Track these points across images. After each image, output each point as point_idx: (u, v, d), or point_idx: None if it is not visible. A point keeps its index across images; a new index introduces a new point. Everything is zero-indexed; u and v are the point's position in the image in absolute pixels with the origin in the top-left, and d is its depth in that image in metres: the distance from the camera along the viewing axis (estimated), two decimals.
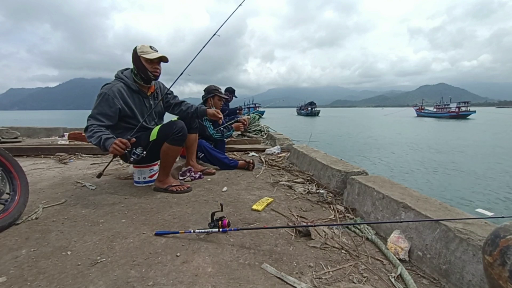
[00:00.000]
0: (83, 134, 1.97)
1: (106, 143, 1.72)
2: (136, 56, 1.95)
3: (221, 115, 2.37)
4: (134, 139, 1.80)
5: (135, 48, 1.98)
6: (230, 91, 5.28)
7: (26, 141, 4.55)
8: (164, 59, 2.00)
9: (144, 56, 1.93)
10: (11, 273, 1.02)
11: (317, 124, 37.54)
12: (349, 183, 1.82)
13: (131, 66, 2.04)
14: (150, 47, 1.97)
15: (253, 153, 3.69)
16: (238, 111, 5.56)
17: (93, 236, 1.32)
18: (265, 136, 4.98)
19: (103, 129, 1.82)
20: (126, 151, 1.73)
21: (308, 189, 2.06)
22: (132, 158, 1.80)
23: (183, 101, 2.35)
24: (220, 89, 3.12)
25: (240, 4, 2.31)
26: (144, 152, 1.81)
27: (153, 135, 1.91)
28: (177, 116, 2.33)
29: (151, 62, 1.95)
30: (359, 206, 1.65)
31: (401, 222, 1.26)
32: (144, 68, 1.95)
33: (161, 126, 1.94)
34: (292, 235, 1.36)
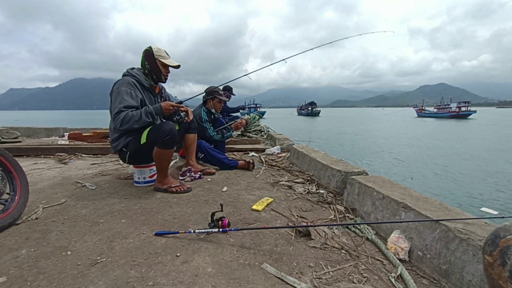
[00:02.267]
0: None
1: (156, 109, 1.90)
2: (152, 58, 2.02)
3: (172, 105, 2.08)
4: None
5: (150, 49, 2.03)
6: (227, 90, 5.09)
7: (26, 141, 4.55)
8: (178, 67, 2.14)
9: (162, 60, 2.03)
10: (11, 273, 1.03)
11: (318, 124, 37.53)
12: (349, 183, 1.82)
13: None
14: (165, 51, 2.08)
15: (253, 153, 3.69)
16: (240, 110, 5.52)
17: (93, 236, 1.32)
18: (265, 136, 4.98)
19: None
20: (172, 111, 1.99)
21: (308, 189, 2.06)
22: (175, 118, 2.04)
23: None
24: (221, 92, 3.05)
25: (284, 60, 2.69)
26: (184, 116, 2.05)
27: (143, 138, 1.90)
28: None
29: (167, 67, 2.07)
30: (359, 206, 1.65)
31: (401, 222, 1.26)
32: (159, 71, 2.05)
33: (149, 129, 1.90)
34: (292, 235, 1.36)
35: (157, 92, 2.18)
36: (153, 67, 2.04)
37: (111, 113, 1.92)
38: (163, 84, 2.27)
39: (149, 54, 2.03)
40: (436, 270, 1.06)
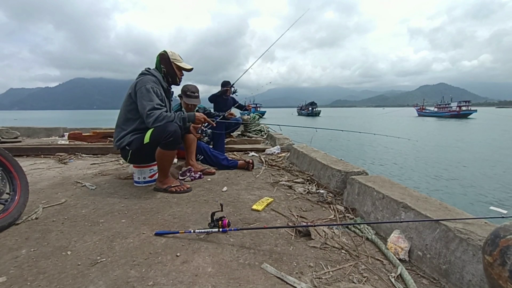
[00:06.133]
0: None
1: (189, 117, 2.02)
2: (168, 61, 2.07)
3: (205, 118, 2.12)
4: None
5: (166, 53, 2.08)
6: (224, 85, 4.60)
7: (26, 141, 4.55)
8: (192, 70, 2.21)
9: (177, 63, 2.09)
10: (11, 273, 1.03)
11: (318, 124, 37.49)
12: (349, 183, 1.82)
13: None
14: (179, 55, 2.13)
15: (253, 153, 3.69)
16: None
17: (93, 236, 1.33)
18: (265, 136, 4.98)
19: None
20: (201, 124, 2.13)
21: (308, 189, 2.06)
22: (199, 130, 2.15)
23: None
24: (190, 93, 2.64)
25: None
26: (209, 133, 2.17)
27: (146, 138, 1.90)
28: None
29: (181, 69, 2.14)
30: (359, 206, 1.65)
31: (401, 222, 1.26)
32: (175, 74, 2.11)
33: (153, 130, 1.89)
34: (292, 235, 1.36)
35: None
36: (169, 70, 2.09)
37: (142, 111, 1.88)
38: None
39: (165, 58, 2.07)
40: (436, 270, 1.06)
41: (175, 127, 1.87)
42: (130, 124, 2.01)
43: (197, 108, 3.10)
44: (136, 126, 1.99)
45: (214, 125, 2.25)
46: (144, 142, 1.91)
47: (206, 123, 2.17)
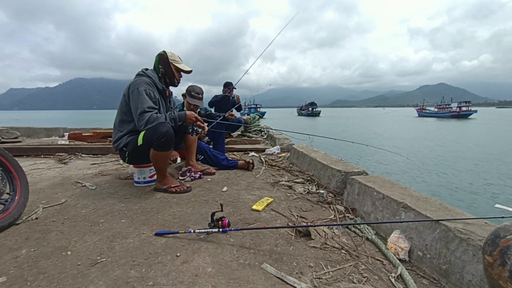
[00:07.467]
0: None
1: (180, 116, 1.97)
2: (167, 62, 2.05)
3: (196, 117, 2.09)
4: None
5: (165, 53, 2.06)
6: (226, 85, 4.68)
7: (26, 141, 4.55)
8: (191, 72, 2.19)
9: (176, 65, 2.07)
10: (11, 273, 1.03)
11: (319, 124, 37.46)
12: (349, 183, 1.82)
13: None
14: (178, 56, 2.12)
15: (253, 153, 3.69)
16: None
17: (93, 236, 1.33)
18: (265, 136, 4.98)
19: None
20: (192, 124, 2.08)
21: (308, 189, 2.06)
22: (190, 129, 2.13)
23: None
24: (194, 93, 2.67)
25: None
26: (200, 132, 2.13)
27: (139, 140, 1.89)
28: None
29: (179, 71, 2.12)
30: (359, 206, 1.65)
31: (401, 222, 1.26)
32: (173, 75, 2.09)
33: (145, 131, 1.87)
34: (292, 235, 1.36)
35: (167, 95, 2.19)
36: (167, 71, 2.07)
37: (134, 113, 1.89)
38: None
39: (163, 58, 2.06)
40: (436, 270, 1.06)
41: (167, 127, 1.84)
42: (126, 126, 2.01)
43: (198, 109, 3.11)
44: (132, 128, 1.98)
45: (205, 127, 2.17)
46: (138, 144, 1.90)
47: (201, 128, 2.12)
